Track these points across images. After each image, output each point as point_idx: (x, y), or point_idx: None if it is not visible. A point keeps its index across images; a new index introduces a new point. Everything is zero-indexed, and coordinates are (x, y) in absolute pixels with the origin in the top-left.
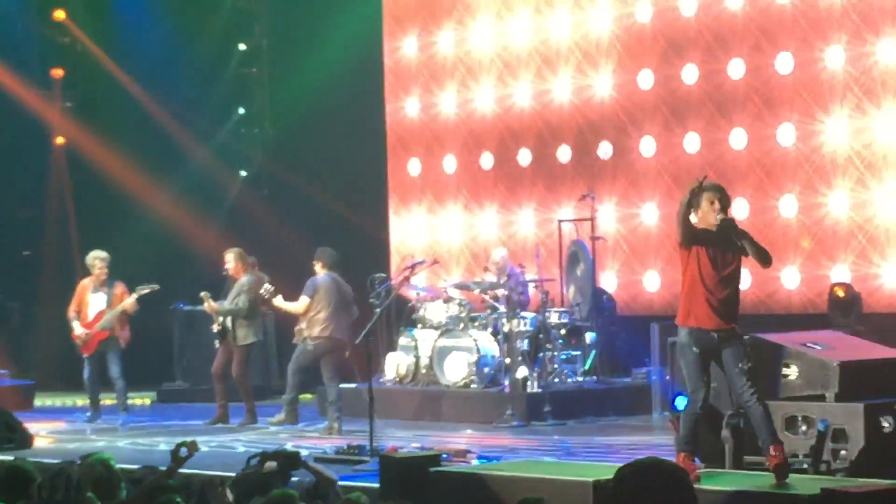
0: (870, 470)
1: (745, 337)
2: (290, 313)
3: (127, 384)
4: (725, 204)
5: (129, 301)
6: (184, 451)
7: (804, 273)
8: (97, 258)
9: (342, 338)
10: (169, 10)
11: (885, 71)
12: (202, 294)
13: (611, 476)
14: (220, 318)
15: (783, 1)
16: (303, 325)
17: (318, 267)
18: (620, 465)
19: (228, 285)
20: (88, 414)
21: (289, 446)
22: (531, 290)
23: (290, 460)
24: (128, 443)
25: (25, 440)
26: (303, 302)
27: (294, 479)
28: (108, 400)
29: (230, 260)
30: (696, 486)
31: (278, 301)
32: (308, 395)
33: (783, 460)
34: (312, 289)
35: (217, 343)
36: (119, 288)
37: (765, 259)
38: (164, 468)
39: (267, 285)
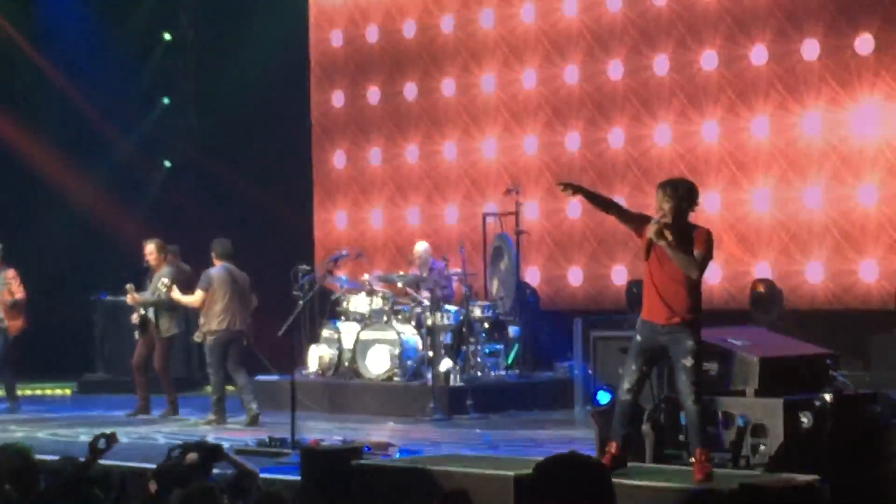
0: (788, 465)
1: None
2: (190, 306)
3: (13, 374)
4: (673, 201)
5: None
6: (102, 442)
7: (726, 269)
8: None
9: (241, 328)
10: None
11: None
12: (127, 286)
13: (531, 470)
14: (142, 310)
15: None
16: (202, 320)
17: (213, 258)
18: (541, 459)
19: (149, 276)
20: (6, 405)
21: (210, 438)
22: (454, 283)
23: (211, 452)
24: (47, 433)
25: None
26: (197, 295)
27: (216, 471)
28: (28, 390)
29: (151, 251)
30: (615, 480)
31: (175, 294)
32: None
33: (708, 467)
34: (206, 282)
35: (137, 335)
36: (10, 273)
37: (686, 269)
38: (82, 459)
39: (164, 279)
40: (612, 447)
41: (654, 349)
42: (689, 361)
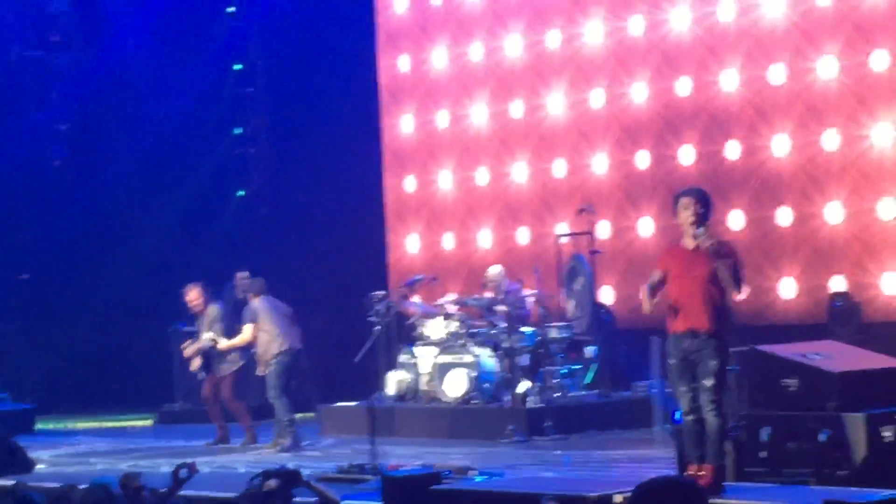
0: (871, 480)
1: (743, 349)
2: (241, 346)
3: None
4: (705, 214)
5: None
6: (184, 471)
7: (802, 283)
8: None
9: (299, 347)
10: (166, 32)
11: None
12: (182, 347)
13: (611, 490)
14: (199, 358)
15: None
16: (261, 350)
17: (251, 297)
18: (621, 478)
19: (199, 318)
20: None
21: (290, 465)
22: (530, 305)
23: (291, 478)
24: (129, 465)
25: (26, 465)
26: (247, 331)
27: (298, 499)
28: (109, 422)
29: (192, 298)
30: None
31: (223, 343)
32: (311, 414)
33: (711, 482)
34: (251, 314)
35: (201, 375)
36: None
37: (735, 287)
38: (163, 490)
39: (207, 334)
40: (705, 470)
41: (689, 361)
42: (709, 381)
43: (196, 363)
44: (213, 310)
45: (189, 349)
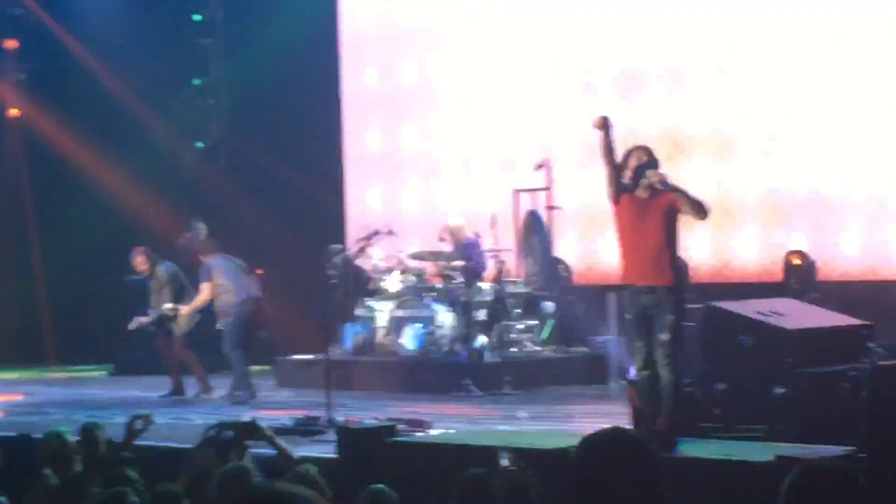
0: (825, 437)
1: (699, 305)
2: (204, 306)
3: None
4: (654, 163)
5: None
6: (138, 423)
7: (760, 241)
8: None
9: (258, 295)
10: None
11: None
12: (131, 325)
13: (567, 444)
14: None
15: None
16: (219, 303)
17: (202, 257)
18: (578, 432)
19: (150, 281)
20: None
21: (246, 418)
22: (488, 260)
23: (247, 430)
24: (85, 416)
25: None
26: (205, 289)
27: (252, 450)
28: (60, 373)
29: (140, 262)
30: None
31: (184, 310)
32: (266, 367)
33: (665, 436)
34: (206, 272)
35: (153, 328)
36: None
37: (699, 211)
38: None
39: (167, 305)
40: (660, 425)
41: (646, 316)
42: (665, 336)
43: (144, 321)
44: (162, 273)
45: (145, 320)
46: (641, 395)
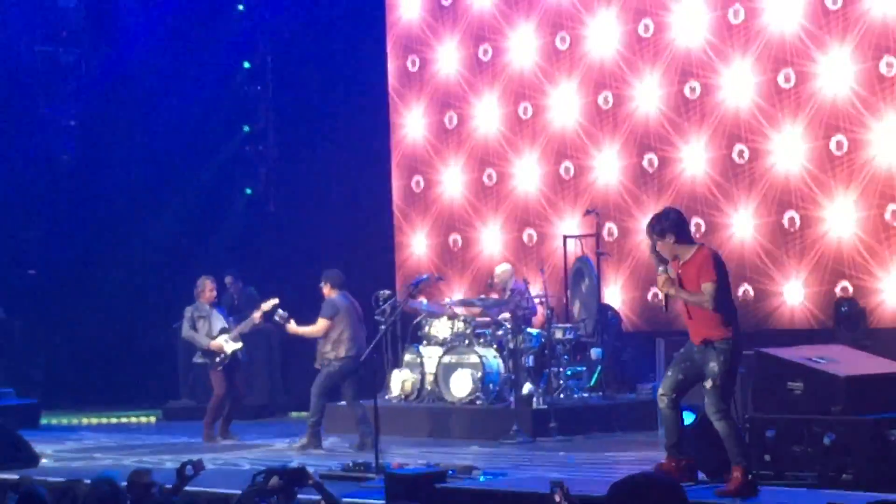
0: (877, 485)
1: (748, 352)
2: (308, 336)
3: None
4: (667, 237)
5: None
6: (189, 469)
7: (808, 288)
8: None
9: (364, 359)
10: (175, 28)
11: None
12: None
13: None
14: (231, 346)
15: None
16: (327, 347)
17: (327, 289)
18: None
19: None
20: None
21: (294, 463)
22: (536, 306)
23: (295, 476)
24: (133, 461)
25: (31, 459)
26: (321, 324)
27: (300, 496)
28: (114, 418)
29: (213, 287)
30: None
31: (292, 326)
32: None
33: (742, 482)
34: (333, 310)
35: (218, 369)
36: None
37: (701, 307)
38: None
39: (280, 311)
40: (675, 462)
41: (692, 360)
42: (708, 384)
43: (227, 347)
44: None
45: (257, 314)
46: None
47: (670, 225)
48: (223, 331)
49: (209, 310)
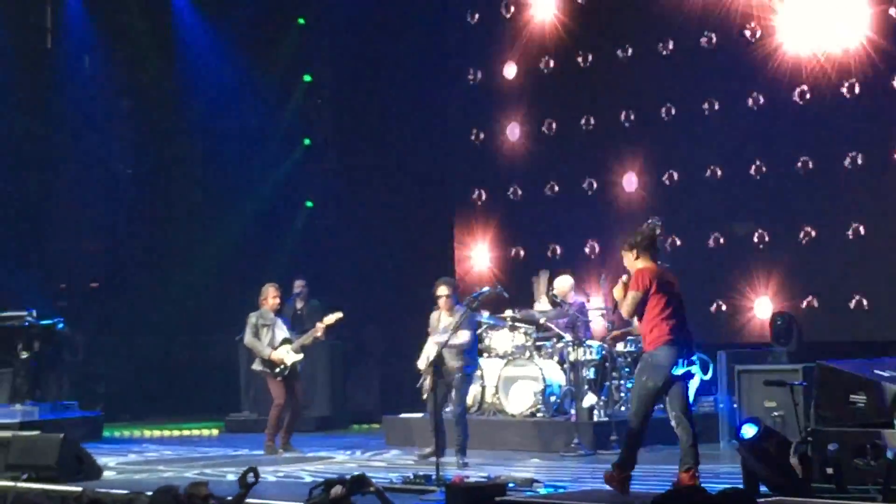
0: None
1: (810, 364)
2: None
3: None
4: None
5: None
6: (251, 477)
7: (873, 301)
8: None
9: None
10: (234, 43)
11: None
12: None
13: None
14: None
15: None
16: (452, 359)
17: (447, 299)
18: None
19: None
20: None
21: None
22: (597, 318)
23: (356, 484)
24: (195, 473)
25: (94, 471)
26: (466, 336)
27: None
28: (176, 430)
29: (277, 295)
30: None
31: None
32: (376, 425)
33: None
34: (472, 325)
35: (278, 379)
36: None
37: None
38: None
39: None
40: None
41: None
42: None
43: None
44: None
45: (320, 328)
46: None
47: (639, 243)
48: (285, 341)
49: (273, 318)
